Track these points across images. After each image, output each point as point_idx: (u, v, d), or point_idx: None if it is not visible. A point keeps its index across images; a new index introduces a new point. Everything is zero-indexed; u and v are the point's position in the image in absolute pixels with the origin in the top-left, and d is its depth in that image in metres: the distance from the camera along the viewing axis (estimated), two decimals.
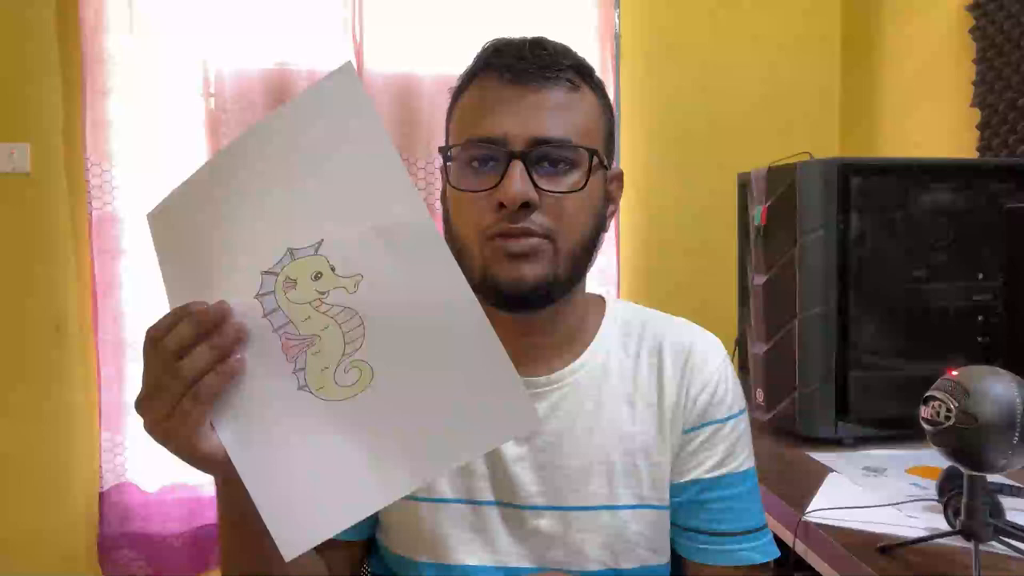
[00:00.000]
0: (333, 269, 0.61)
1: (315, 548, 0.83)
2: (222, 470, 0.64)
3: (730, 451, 0.85)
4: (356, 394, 0.62)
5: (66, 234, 2.20)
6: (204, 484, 2.20)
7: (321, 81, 0.61)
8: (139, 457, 2.18)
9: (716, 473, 0.84)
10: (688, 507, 0.85)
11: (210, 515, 2.21)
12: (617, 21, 2.34)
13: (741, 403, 0.88)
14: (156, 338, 0.62)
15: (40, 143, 2.18)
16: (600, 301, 0.91)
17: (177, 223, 0.65)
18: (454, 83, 0.84)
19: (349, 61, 0.60)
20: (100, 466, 2.18)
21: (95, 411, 2.19)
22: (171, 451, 0.64)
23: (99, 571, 2.20)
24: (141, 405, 0.63)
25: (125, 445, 2.18)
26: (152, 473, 2.19)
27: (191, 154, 2.18)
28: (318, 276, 0.61)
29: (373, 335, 0.61)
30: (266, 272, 0.62)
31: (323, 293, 0.61)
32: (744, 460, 0.86)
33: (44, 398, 2.22)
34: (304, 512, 0.63)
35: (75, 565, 2.24)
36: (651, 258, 2.41)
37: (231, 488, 0.65)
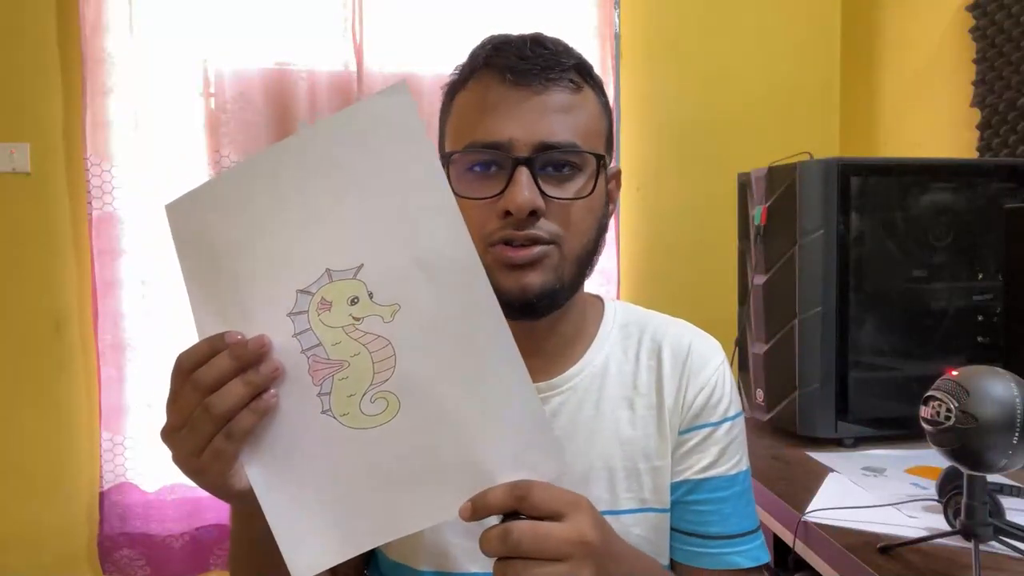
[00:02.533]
0: (371, 296, 0.59)
1: None
2: (248, 504, 0.62)
3: (721, 454, 0.84)
4: (380, 424, 0.60)
5: (66, 234, 2.21)
6: None
7: (375, 98, 0.59)
8: (139, 457, 2.18)
9: (704, 475, 0.83)
10: (676, 507, 0.84)
11: (210, 515, 2.22)
12: (617, 21, 2.34)
13: (737, 407, 0.87)
14: (188, 368, 0.59)
15: (40, 143, 2.18)
16: (598, 302, 0.89)
17: (205, 220, 0.62)
18: (447, 80, 0.82)
19: (404, 81, 0.58)
20: (100, 466, 2.18)
21: (95, 411, 2.19)
22: (201, 486, 0.62)
23: (99, 571, 2.21)
24: (170, 437, 0.61)
25: (125, 445, 2.18)
26: (152, 473, 2.19)
27: (191, 154, 2.19)
28: (355, 301, 0.59)
29: (403, 367, 0.59)
30: (301, 291, 0.60)
31: (358, 319, 0.59)
32: (736, 463, 0.85)
33: (44, 398, 2.22)
34: (317, 536, 0.62)
35: (75, 565, 2.24)
36: (651, 258, 2.41)
37: (250, 516, 0.63)
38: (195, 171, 2.19)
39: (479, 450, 0.60)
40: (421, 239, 0.59)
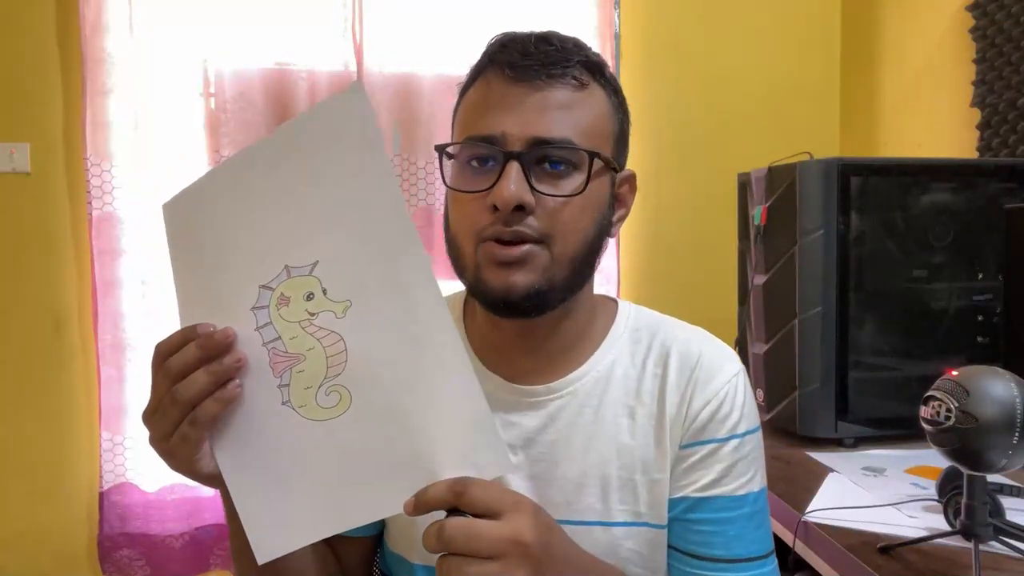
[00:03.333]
0: (324, 292, 0.61)
1: (328, 542, 0.83)
2: (221, 485, 0.65)
3: (726, 472, 0.78)
4: (334, 417, 0.62)
5: (66, 234, 2.21)
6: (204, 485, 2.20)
7: (332, 99, 0.60)
8: (139, 457, 2.18)
9: (706, 493, 0.78)
10: (676, 525, 0.79)
11: (210, 515, 2.22)
12: (617, 21, 2.34)
13: (751, 422, 0.81)
14: (163, 355, 0.63)
15: (40, 143, 2.18)
16: (610, 304, 0.87)
17: (190, 217, 0.65)
18: (454, 82, 0.82)
19: (359, 81, 0.60)
20: (100, 466, 2.18)
21: (95, 411, 2.19)
22: (172, 468, 0.65)
23: (99, 571, 2.20)
24: (146, 421, 0.65)
25: (125, 445, 2.18)
26: (152, 473, 2.19)
27: (191, 154, 2.19)
28: (310, 297, 0.61)
29: (354, 362, 0.61)
30: (263, 286, 0.62)
31: (313, 314, 0.61)
32: (745, 483, 0.79)
33: (44, 398, 2.22)
34: (279, 521, 0.65)
35: (75, 565, 2.24)
36: (651, 258, 2.41)
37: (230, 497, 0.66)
38: (195, 171, 2.18)
39: (425, 446, 0.61)
40: (372, 237, 0.60)
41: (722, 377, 0.81)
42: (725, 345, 0.85)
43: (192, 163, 2.18)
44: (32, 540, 2.22)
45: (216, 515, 2.22)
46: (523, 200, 0.71)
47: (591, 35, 2.29)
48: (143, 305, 2.15)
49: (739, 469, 0.79)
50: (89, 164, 2.13)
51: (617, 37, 2.34)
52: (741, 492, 0.79)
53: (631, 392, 0.81)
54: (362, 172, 0.60)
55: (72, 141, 2.17)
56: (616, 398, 0.81)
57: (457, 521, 0.59)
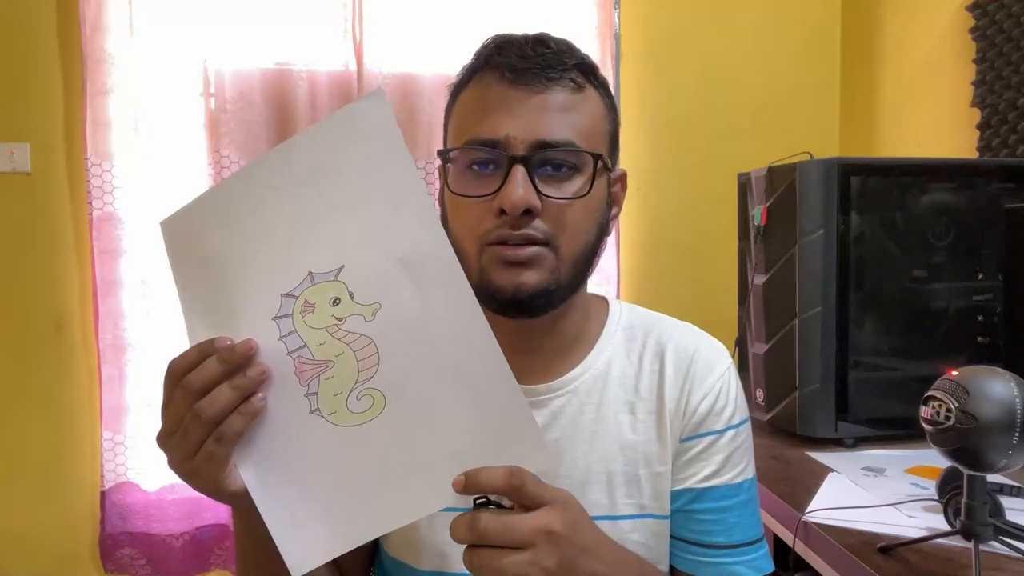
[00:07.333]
0: (352, 296, 0.61)
1: None
2: (244, 504, 0.64)
3: (725, 462, 0.82)
4: (367, 421, 0.62)
5: (66, 234, 2.21)
6: None
7: (351, 105, 0.61)
8: (140, 457, 2.18)
9: (708, 484, 0.81)
10: (678, 516, 0.82)
11: (210, 515, 2.22)
12: (617, 21, 2.34)
13: (743, 413, 0.84)
14: (179, 373, 0.61)
15: (40, 143, 2.18)
16: (602, 303, 0.88)
17: (195, 234, 0.64)
18: (453, 80, 0.82)
19: (381, 88, 0.61)
20: (101, 466, 2.18)
21: (96, 411, 2.19)
22: (196, 489, 0.64)
23: (100, 570, 2.21)
24: (164, 443, 0.63)
25: (126, 445, 2.18)
26: (153, 473, 2.19)
27: (191, 154, 2.19)
28: (336, 302, 0.61)
29: (387, 364, 0.61)
30: (285, 294, 0.62)
31: (340, 319, 0.61)
32: (740, 472, 0.83)
33: (45, 398, 2.22)
34: (311, 532, 0.64)
35: (76, 564, 2.24)
36: (651, 258, 2.41)
37: (249, 514, 0.65)
38: (195, 171, 2.19)
39: (464, 444, 0.61)
40: (399, 239, 0.60)
41: (717, 372, 0.84)
42: (715, 340, 0.87)
43: (192, 163, 2.19)
44: (33, 539, 2.22)
45: (216, 515, 2.22)
46: (531, 204, 0.71)
47: (591, 35, 2.29)
48: (144, 305, 2.16)
49: (735, 459, 0.83)
50: (89, 164, 2.13)
51: (617, 37, 2.34)
52: (738, 480, 0.83)
53: (630, 388, 0.83)
54: (386, 175, 0.60)
55: (72, 141, 2.17)
56: (616, 395, 0.83)
57: (491, 513, 0.59)
